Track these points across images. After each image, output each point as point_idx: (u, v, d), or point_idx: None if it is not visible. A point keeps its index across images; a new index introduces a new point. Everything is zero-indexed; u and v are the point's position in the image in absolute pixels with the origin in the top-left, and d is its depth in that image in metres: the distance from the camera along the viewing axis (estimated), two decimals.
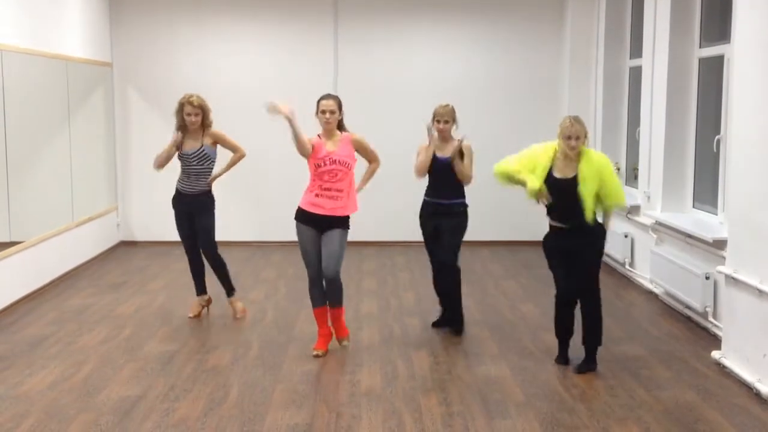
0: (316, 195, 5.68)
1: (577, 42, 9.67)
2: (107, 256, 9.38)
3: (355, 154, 5.83)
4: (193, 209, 6.62)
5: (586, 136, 5.32)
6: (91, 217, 9.02)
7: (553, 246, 5.48)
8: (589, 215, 5.25)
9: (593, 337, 5.48)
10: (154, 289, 7.76)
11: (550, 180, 5.33)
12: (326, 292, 5.84)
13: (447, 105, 6.33)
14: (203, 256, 6.76)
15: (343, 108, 5.85)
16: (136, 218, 10.13)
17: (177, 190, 6.68)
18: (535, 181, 5.32)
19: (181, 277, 7.79)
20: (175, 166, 6.62)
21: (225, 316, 6.82)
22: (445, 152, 6.22)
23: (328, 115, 5.70)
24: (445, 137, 6.27)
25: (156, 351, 5.90)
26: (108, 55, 9.77)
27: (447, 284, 6.31)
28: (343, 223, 5.75)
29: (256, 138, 8.65)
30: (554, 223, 5.47)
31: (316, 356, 5.74)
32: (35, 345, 6.02)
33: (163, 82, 9.83)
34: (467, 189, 6.32)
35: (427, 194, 6.36)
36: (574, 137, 5.24)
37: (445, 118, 6.24)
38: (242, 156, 6.68)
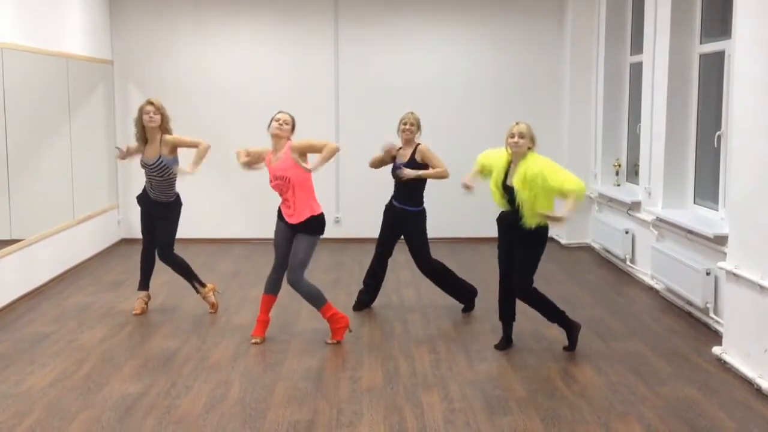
0: (281, 202, 5.98)
1: (577, 38, 9.67)
2: (108, 253, 9.39)
3: (301, 157, 5.84)
4: (155, 215, 6.72)
5: (532, 140, 5.57)
6: (91, 214, 9.03)
7: (500, 230, 5.84)
8: (528, 221, 5.51)
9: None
10: (155, 286, 7.73)
11: (503, 186, 5.65)
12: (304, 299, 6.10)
13: (412, 113, 6.77)
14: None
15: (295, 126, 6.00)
16: (137, 216, 10.06)
17: (144, 190, 6.77)
18: (471, 175, 5.86)
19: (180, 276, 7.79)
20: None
21: (225, 313, 6.83)
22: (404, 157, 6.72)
23: (281, 123, 5.89)
24: (408, 140, 6.71)
25: (157, 348, 5.91)
26: (109, 52, 9.77)
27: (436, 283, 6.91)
28: (306, 228, 5.90)
29: (255, 136, 8.62)
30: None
31: (254, 343, 5.95)
32: (36, 343, 6.02)
33: (164, 79, 9.84)
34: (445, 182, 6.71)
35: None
36: (517, 135, 5.53)
37: (410, 121, 6.68)
38: (206, 148, 6.61)
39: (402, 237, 6.83)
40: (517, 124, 5.60)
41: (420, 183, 6.67)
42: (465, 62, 9.98)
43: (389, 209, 6.85)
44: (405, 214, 6.72)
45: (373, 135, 9.93)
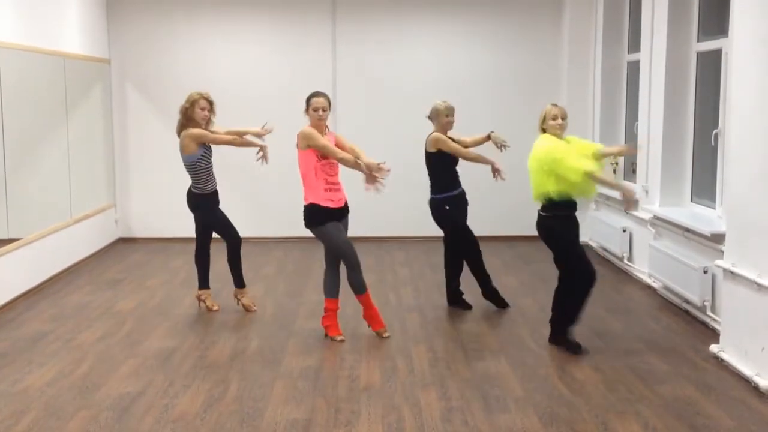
0: (326, 190, 5.85)
1: (575, 37, 9.67)
2: (106, 252, 9.38)
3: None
4: (193, 207, 6.74)
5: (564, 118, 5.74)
6: (89, 213, 9.02)
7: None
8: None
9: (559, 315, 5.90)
10: (153, 285, 7.76)
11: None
12: (350, 281, 6.03)
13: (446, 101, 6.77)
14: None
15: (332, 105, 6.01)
16: (135, 215, 10.13)
17: (212, 186, 6.72)
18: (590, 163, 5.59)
19: (180, 273, 7.79)
20: (172, 166, 6.60)
21: (224, 312, 6.82)
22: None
23: (320, 112, 5.86)
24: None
25: (155, 347, 5.90)
26: (106, 51, 9.76)
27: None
28: (348, 210, 6.06)
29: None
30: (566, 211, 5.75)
31: (342, 341, 6.00)
32: (34, 342, 6.02)
33: (161, 78, 9.83)
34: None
35: (456, 186, 6.79)
36: (560, 116, 5.67)
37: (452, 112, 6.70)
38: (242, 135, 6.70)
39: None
40: (554, 106, 5.76)
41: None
42: (462, 61, 9.98)
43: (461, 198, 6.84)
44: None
45: (371, 133, 9.99)
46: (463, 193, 6.82)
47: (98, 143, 9.49)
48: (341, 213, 5.95)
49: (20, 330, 6.32)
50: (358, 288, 6.00)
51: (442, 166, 6.69)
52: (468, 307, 6.88)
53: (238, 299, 6.86)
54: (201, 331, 6.30)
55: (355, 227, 10.01)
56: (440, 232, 6.93)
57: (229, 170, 9.49)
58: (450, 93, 9.93)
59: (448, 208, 6.70)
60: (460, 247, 6.80)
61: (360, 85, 9.95)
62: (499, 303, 6.87)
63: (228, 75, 9.89)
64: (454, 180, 6.75)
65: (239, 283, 6.85)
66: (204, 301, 6.84)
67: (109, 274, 8.30)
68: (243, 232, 9.95)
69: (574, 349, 5.70)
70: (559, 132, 5.68)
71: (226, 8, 9.91)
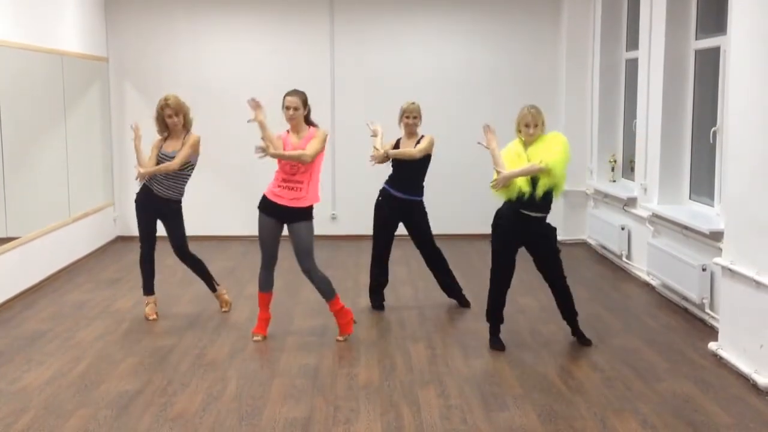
0: (278, 186, 5.84)
1: (573, 34, 9.67)
2: (104, 251, 9.38)
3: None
4: (164, 213, 6.58)
5: (543, 124, 5.68)
6: (87, 212, 9.02)
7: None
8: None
9: None
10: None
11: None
12: (316, 288, 6.04)
13: (414, 102, 6.74)
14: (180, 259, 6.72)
15: (308, 103, 5.97)
16: (133, 213, 10.04)
17: (144, 190, 6.56)
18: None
19: (178, 272, 7.78)
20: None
21: (221, 310, 6.82)
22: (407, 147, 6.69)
23: (291, 111, 5.87)
24: (411, 132, 6.70)
25: (154, 346, 5.90)
26: (104, 49, 9.75)
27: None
28: (304, 214, 5.88)
29: (252, 132, 8.61)
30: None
31: (256, 341, 5.93)
32: (33, 340, 6.02)
33: (160, 76, 9.82)
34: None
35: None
36: (532, 125, 5.58)
37: (413, 114, 6.66)
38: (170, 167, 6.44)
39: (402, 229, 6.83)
40: (528, 111, 5.64)
41: (420, 171, 6.68)
42: (460, 59, 9.98)
43: (387, 200, 6.74)
44: (411, 204, 6.71)
45: (370, 132, 9.97)
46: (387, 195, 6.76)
47: (96, 142, 9.48)
48: (285, 213, 5.84)
49: (19, 328, 6.32)
50: (260, 284, 6.04)
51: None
52: (467, 304, 6.89)
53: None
54: (199, 330, 6.30)
55: (354, 227, 10.09)
56: (439, 232, 6.91)
57: (226, 168, 9.49)
58: (448, 91, 9.99)
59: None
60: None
61: (358, 84, 9.94)
62: (377, 305, 6.89)
63: (226, 73, 9.88)
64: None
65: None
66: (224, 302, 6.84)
67: (107, 272, 8.30)
68: (240, 230, 10.02)
69: (584, 341, 5.88)
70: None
71: (224, 7, 9.90)
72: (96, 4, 9.52)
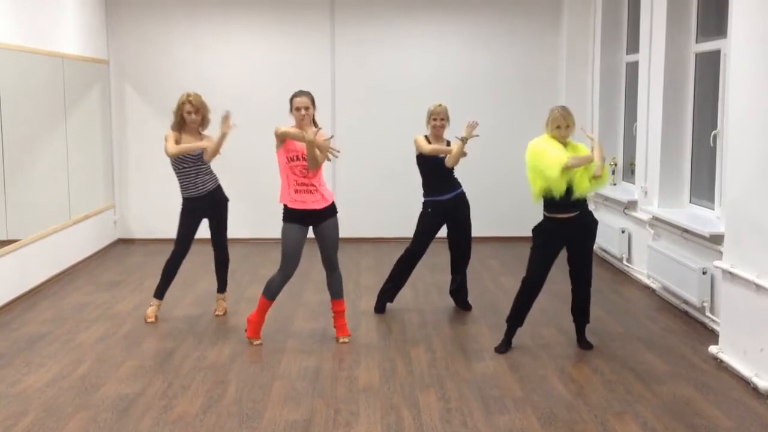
0: (296, 192, 5.79)
1: (573, 37, 9.68)
2: (104, 253, 9.38)
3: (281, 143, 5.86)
4: (219, 210, 6.63)
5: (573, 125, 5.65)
6: (88, 214, 9.02)
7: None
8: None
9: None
10: (152, 286, 7.70)
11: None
12: (330, 285, 6.02)
13: (441, 104, 6.62)
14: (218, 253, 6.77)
15: (316, 104, 5.94)
16: (133, 216, 10.13)
17: (191, 191, 6.50)
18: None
19: (178, 275, 7.77)
20: (170, 167, 6.54)
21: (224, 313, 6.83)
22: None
23: (303, 111, 5.80)
24: (438, 135, 6.58)
25: (154, 348, 5.90)
26: (104, 52, 9.76)
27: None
28: (332, 211, 5.90)
29: (253, 135, 8.64)
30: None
31: (257, 345, 5.92)
32: (33, 343, 6.02)
33: (160, 79, 9.83)
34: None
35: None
36: (563, 126, 5.54)
37: (441, 116, 6.54)
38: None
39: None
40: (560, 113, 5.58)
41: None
42: (461, 61, 9.99)
43: (435, 208, 6.65)
44: (456, 198, 6.65)
45: (370, 133, 10.00)
46: (446, 200, 6.63)
47: (97, 144, 9.48)
48: (316, 216, 5.82)
49: (19, 331, 6.32)
50: (265, 291, 5.94)
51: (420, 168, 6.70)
52: (468, 307, 6.89)
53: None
54: (200, 333, 6.30)
55: (355, 228, 10.09)
56: (438, 233, 6.89)
57: (227, 171, 9.46)
58: (449, 93, 9.96)
59: (430, 210, 6.68)
60: (410, 248, 6.78)
61: (359, 86, 9.95)
62: (381, 308, 6.84)
63: (227, 75, 9.89)
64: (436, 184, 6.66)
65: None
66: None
67: (107, 275, 8.30)
68: (242, 233, 10.02)
69: (586, 346, 5.89)
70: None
71: (224, 9, 9.91)
72: (97, 7, 9.52)
